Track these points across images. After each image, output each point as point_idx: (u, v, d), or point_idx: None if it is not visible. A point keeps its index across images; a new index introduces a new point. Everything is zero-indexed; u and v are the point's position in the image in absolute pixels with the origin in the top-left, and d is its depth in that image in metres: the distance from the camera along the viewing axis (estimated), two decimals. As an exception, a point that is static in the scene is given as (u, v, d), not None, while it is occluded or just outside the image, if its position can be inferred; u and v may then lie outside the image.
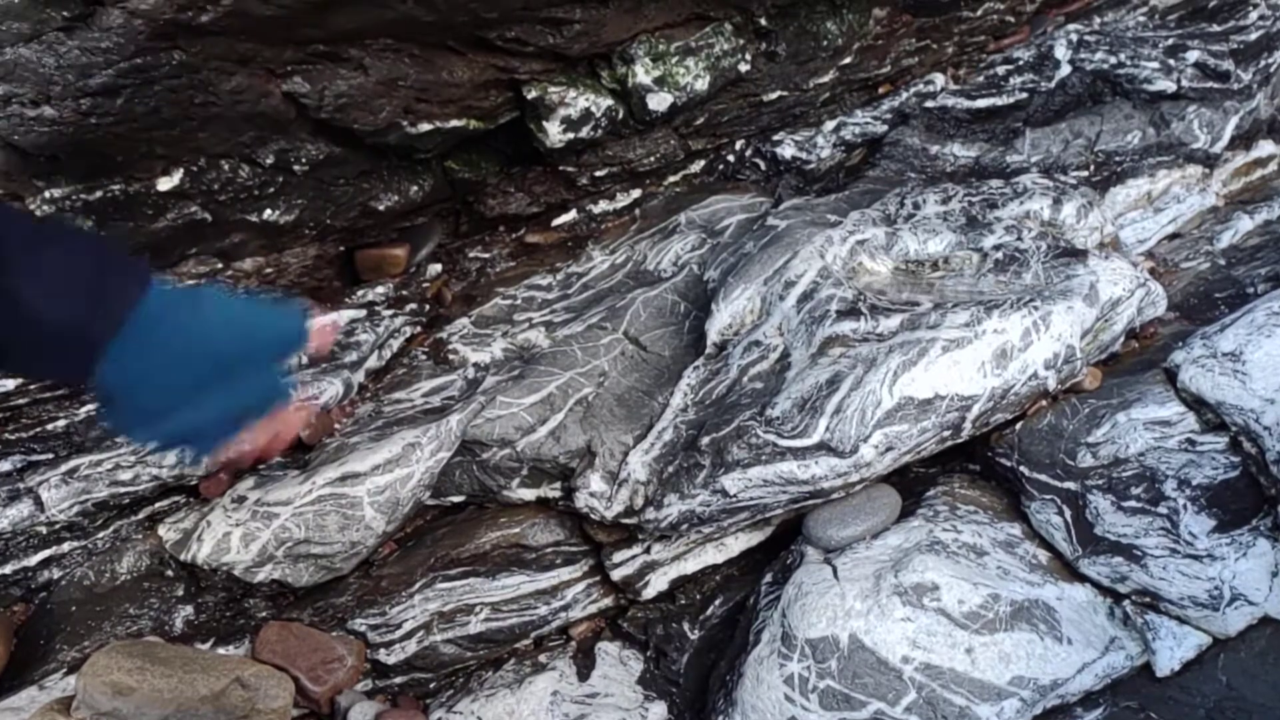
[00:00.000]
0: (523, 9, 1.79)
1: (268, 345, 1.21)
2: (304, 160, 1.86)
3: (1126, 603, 1.60)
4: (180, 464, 1.29)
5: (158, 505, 1.84)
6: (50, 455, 1.78)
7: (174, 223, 1.80)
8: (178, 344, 1.10)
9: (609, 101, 2.04)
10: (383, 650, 1.78)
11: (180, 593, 1.80)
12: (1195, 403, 1.70)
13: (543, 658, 1.82)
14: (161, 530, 1.81)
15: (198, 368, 1.13)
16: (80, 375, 1.07)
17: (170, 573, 1.81)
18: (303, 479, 1.75)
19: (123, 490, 1.77)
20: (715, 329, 1.90)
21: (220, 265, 1.95)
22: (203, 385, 1.14)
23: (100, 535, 1.81)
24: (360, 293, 2.10)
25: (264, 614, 1.81)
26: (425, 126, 1.91)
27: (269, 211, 1.89)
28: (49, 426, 1.79)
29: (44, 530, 1.75)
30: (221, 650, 1.76)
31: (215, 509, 1.76)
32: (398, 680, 1.80)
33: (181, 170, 1.75)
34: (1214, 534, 1.55)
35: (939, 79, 2.40)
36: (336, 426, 1.90)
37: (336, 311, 1.95)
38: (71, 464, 1.76)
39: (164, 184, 1.75)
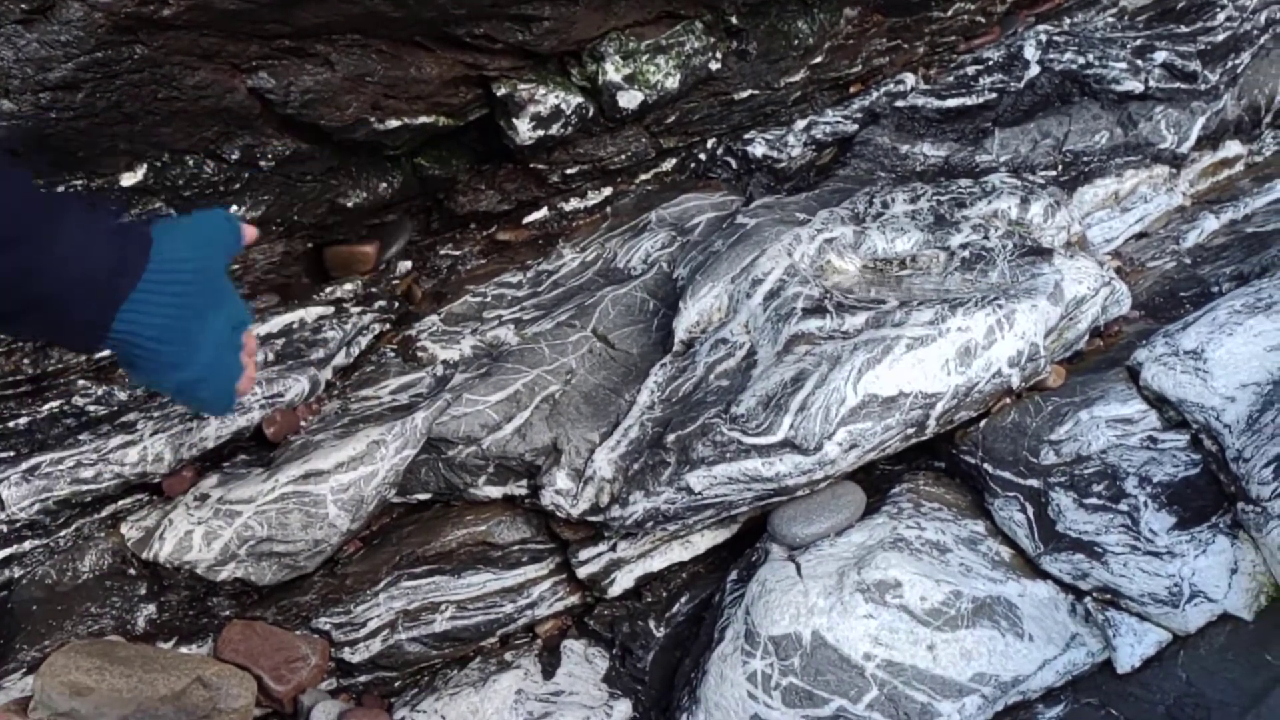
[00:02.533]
0: (491, 5, 1.79)
1: (228, 252, 1.27)
2: (270, 156, 1.85)
3: (1088, 599, 1.61)
4: (213, 409, 1.29)
5: (120, 503, 1.82)
6: (11, 453, 1.76)
7: (139, 218, 1.78)
8: (180, 283, 1.16)
9: (579, 99, 2.04)
10: (347, 649, 1.78)
11: (143, 591, 1.79)
12: (1157, 400, 1.72)
13: (508, 656, 1.82)
14: (124, 528, 1.80)
15: (197, 299, 1.18)
16: (99, 337, 1.12)
17: (132, 571, 1.79)
18: (266, 477, 1.74)
19: (85, 488, 1.76)
20: (683, 327, 1.90)
21: (186, 262, 1.94)
22: (203, 315, 1.19)
23: (62, 534, 1.79)
24: (329, 290, 2.09)
25: (228, 612, 1.80)
26: (393, 123, 1.90)
27: (235, 208, 1.88)
28: (10, 424, 1.77)
29: (4, 529, 1.73)
30: (184, 649, 1.75)
31: (177, 507, 1.75)
32: (362, 679, 1.80)
33: (145, 166, 1.74)
34: (1174, 531, 1.56)
35: (909, 78, 2.40)
36: (302, 424, 1.89)
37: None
38: (33, 461, 1.74)
39: (128, 179, 1.73)
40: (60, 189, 1.22)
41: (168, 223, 1.23)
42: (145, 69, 1.59)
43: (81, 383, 1.81)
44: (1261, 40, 2.41)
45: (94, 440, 1.78)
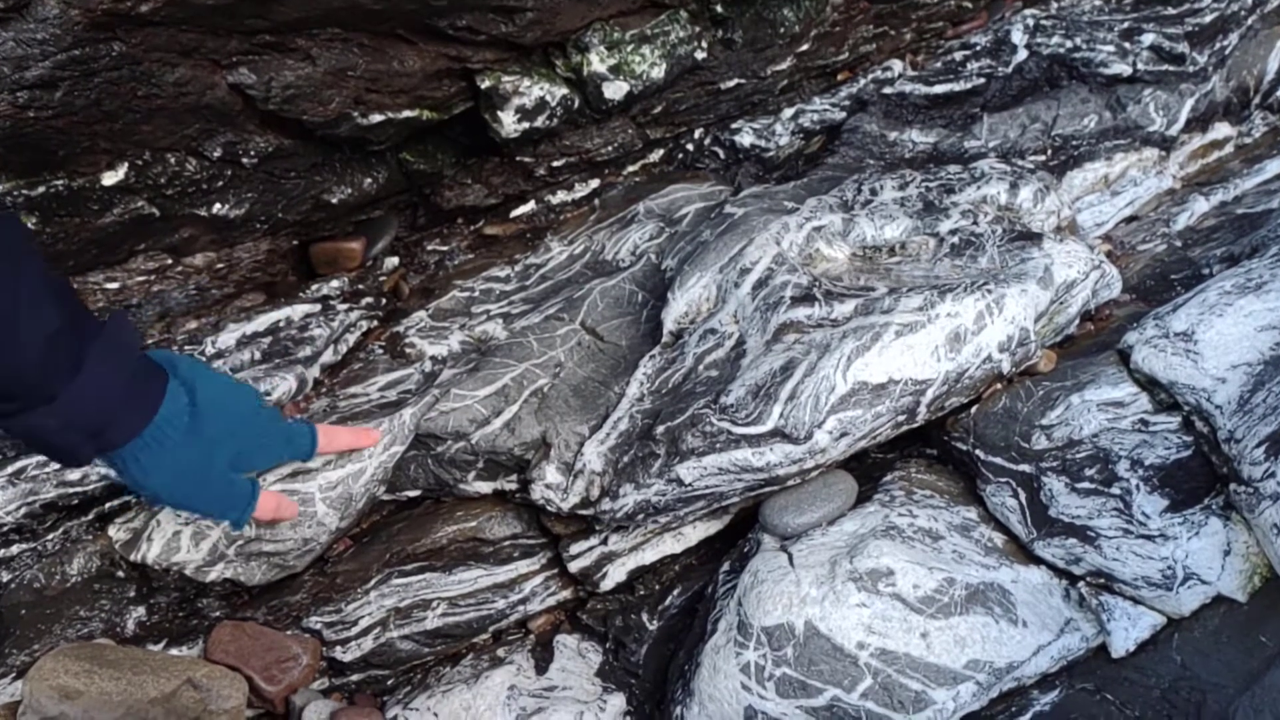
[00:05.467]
0: (472, -4, 1.78)
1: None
2: (253, 153, 1.83)
3: (1081, 584, 1.60)
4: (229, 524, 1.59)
5: (107, 505, 1.81)
6: (-3, 457, 1.75)
7: (120, 218, 1.77)
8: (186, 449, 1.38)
9: (564, 90, 2.02)
10: (339, 648, 1.77)
11: (132, 594, 1.78)
12: (1148, 383, 1.71)
13: (500, 652, 1.81)
14: (111, 531, 1.78)
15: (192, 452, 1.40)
16: (86, 462, 1.33)
17: (121, 574, 1.78)
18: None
19: (71, 491, 1.74)
20: (671, 318, 1.89)
21: (170, 261, 1.93)
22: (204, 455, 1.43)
23: (49, 537, 1.78)
24: (315, 287, 2.08)
25: (218, 613, 1.79)
26: (377, 117, 1.89)
27: (218, 206, 1.87)
28: (-5, 427, 1.76)
29: (-10, 533, 1.72)
30: (174, 651, 1.74)
31: (165, 508, 1.73)
32: (354, 678, 1.79)
33: (126, 164, 1.72)
34: (1167, 514, 1.55)
35: (897, 65, 2.39)
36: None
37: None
38: (18, 465, 1.73)
39: (109, 178, 1.72)
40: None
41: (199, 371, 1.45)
42: (124, 66, 1.57)
43: (67, 385, 1.80)
44: (1249, 21, 2.40)
45: (80, 442, 1.77)
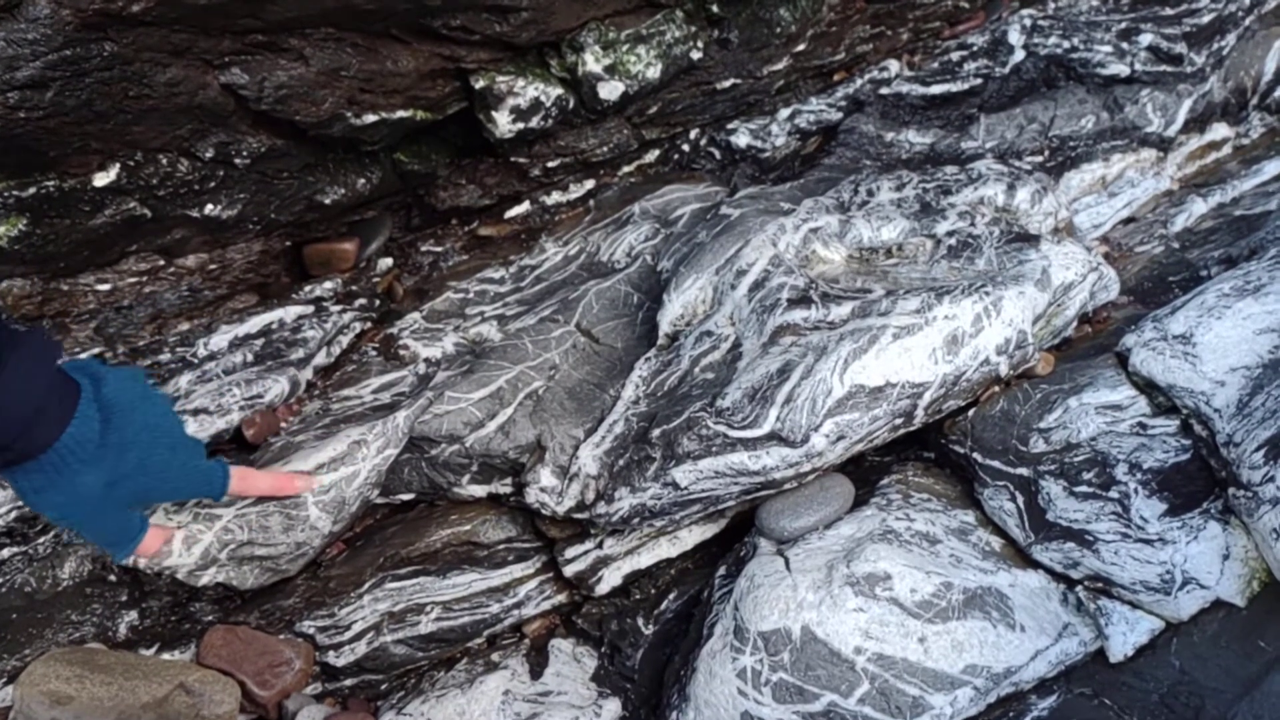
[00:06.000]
0: (466, -5, 1.76)
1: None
2: (245, 154, 1.82)
3: (1079, 588, 1.59)
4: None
5: (99, 508, 1.80)
6: (-13, 459, 1.73)
7: (112, 219, 1.76)
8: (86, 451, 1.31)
9: (559, 90, 2.01)
10: (332, 652, 1.75)
11: (123, 598, 1.76)
12: (1146, 386, 1.70)
13: (495, 656, 1.79)
14: (103, 534, 1.77)
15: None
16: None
17: (113, 578, 1.77)
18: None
19: (63, 493, 1.73)
20: (667, 320, 1.87)
21: (162, 262, 1.91)
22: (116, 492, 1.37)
23: (40, 541, 1.77)
24: (308, 288, 2.06)
25: (210, 618, 1.77)
26: (370, 118, 1.88)
27: (210, 206, 1.86)
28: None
29: (-19, 536, 1.71)
30: (166, 655, 1.73)
31: (156, 512, 1.72)
32: (347, 682, 1.77)
33: (118, 165, 1.71)
34: (1165, 518, 1.54)
35: (894, 65, 2.39)
36: (282, 425, 1.86)
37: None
38: (8, 468, 1.71)
39: (100, 179, 1.70)
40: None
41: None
42: (115, 66, 1.56)
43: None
44: (1246, 21, 2.39)
45: (71, 445, 1.76)
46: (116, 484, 1.35)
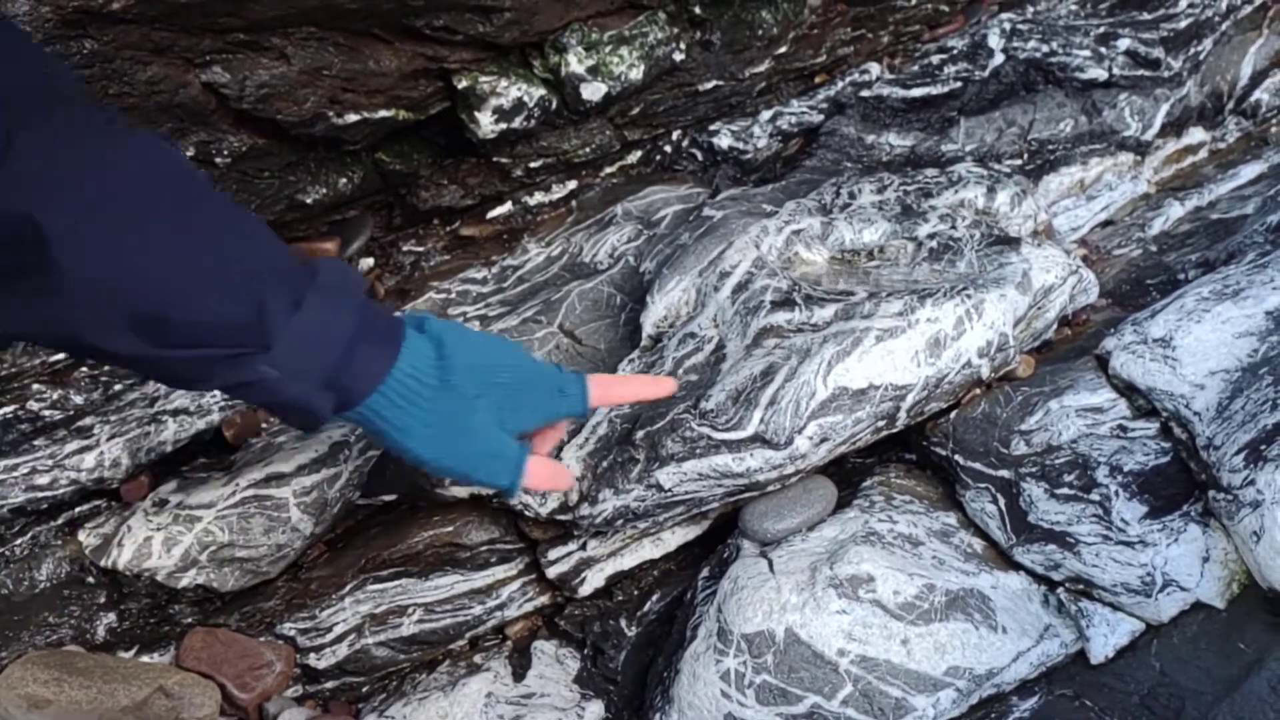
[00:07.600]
0: (449, -5, 1.76)
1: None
2: (226, 152, 1.81)
3: (1060, 590, 1.61)
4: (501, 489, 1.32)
5: (77, 510, 1.78)
6: (-37, 461, 1.72)
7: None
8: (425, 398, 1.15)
9: (541, 91, 2.01)
10: (313, 655, 1.75)
11: (102, 600, 1.75)
12: (1126, 389, 1.71)
13: (477, 658, 1.79)
14: (81, 536, 1.75)
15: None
16: (325, 419, 1.12)
17: (91, 580, 1.75)
18: (226, 481, 1.70)
19: (40, 495, 1.72)
20: (650, 321, 1.87)
21: (141, 261, 1.89)
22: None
23: (17, 542, 1.75)
24: (289, 288, 2.04)
25: (190, 620, 1.76)
26: (352, 117, 1.87)
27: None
28: (-39, 431, 1.73)
29: (-44, 538, 1.69)
30: (146, 658, 1.71)
31: (136, 513, 1.71)
32: (329, 685, 1.77)
33: (97, 164, 1.69)
34: (1145, 520, 1.56)
35: (874, 68, 2.39)
36: (263, 426, 1.85)
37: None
38: (-16, 470, 1.70)
39: (79, 178, 1.69)
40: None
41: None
42: (95, 64, 1.55)
43: (36, 387, 1.77)
44: (1223, 27, 2.41)
45: (49, 446, 1.74)
46: (474, 405, 1.21)
